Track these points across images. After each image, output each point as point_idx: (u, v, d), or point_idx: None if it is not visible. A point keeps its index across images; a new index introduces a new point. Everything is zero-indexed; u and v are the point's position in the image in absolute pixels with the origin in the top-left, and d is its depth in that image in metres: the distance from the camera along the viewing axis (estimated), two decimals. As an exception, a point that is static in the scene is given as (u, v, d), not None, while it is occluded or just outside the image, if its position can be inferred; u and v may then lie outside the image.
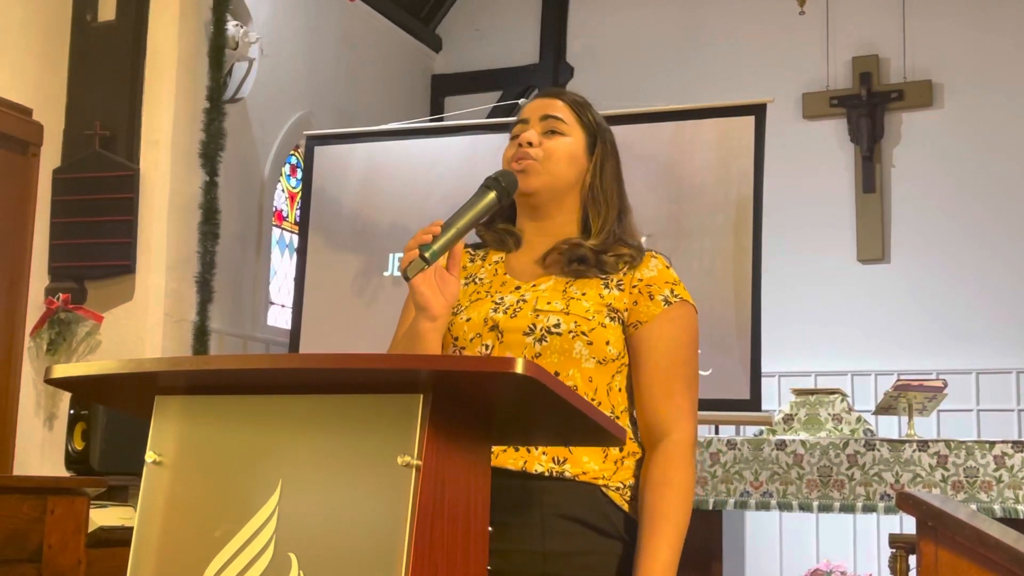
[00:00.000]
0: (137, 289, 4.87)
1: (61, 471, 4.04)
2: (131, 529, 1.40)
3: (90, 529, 3.31)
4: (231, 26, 5.16)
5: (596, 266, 1.78)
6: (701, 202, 4.77)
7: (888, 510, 4.02)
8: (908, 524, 3.76)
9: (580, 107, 1.88)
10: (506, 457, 1.66)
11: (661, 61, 6.97)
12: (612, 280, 1.78)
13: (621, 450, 1.72)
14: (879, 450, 4.04)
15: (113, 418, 3.86)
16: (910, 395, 4.50)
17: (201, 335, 4.96)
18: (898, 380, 4.73)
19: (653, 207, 4.71)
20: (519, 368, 1.17)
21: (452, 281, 1.69)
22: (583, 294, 1.76)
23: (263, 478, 1.30)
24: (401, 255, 1.67)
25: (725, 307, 4.56)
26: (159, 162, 4.92)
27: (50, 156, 4.94)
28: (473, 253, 1.91)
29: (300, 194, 5.88)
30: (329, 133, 5.68)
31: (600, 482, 1.70)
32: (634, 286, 1.77)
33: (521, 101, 2.05)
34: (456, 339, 1.77)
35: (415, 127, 5.66)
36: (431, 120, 6.57)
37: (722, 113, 4.87)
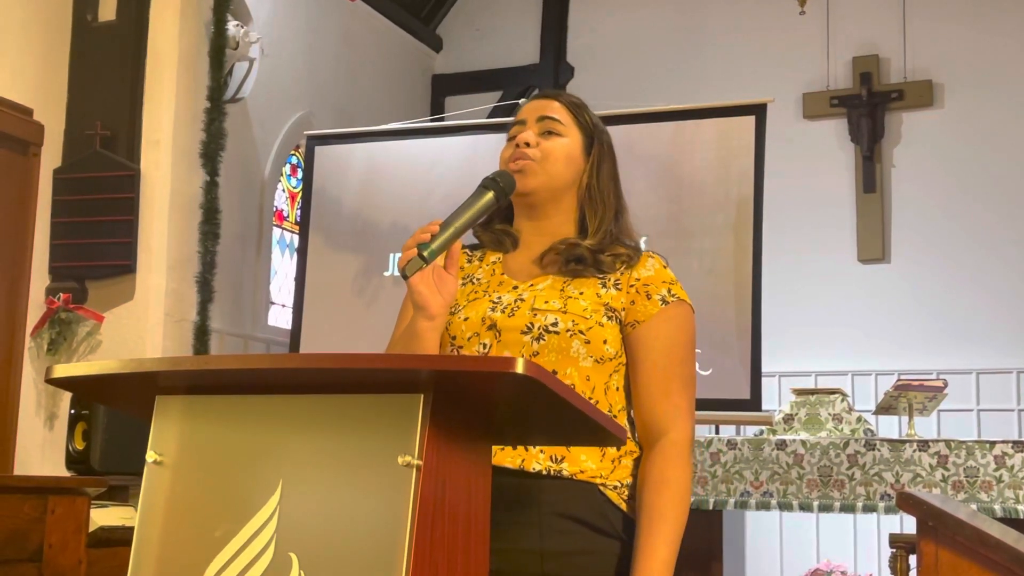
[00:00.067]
0: (138, 289, 4.88)
1: (62, 471, 4.05)
2: (132, 529, 1.40)
3: (91, 529, 3.32)
4: (232, 26, 5.16)
5: (593, 265, 1.79)
6: (701, 202, 4.77)
7: (888, 510, 4.02)
8: (908, 524, 3.76)
9: (577, 108, 1.89)
10: (504, 455, 1.66)
11: (661, 61, 6.97)
12: (609, 280, 1.79)
13: (618, 449, 1.72)
14: (879, 450, 4.04)
15: (114, 418, 3.86)
16: (910, 395, 4.50)
17: (202, 335, 4.96)
18: (898, 380, 4.74)
19: (653, 207, 4.71)
20: (519, 368, 1.17)
21: (450, 280, 1.69)
22: (580, 293, 1.77)
23: (264, 478, 1.30)
24: (401, 255, 1.67)
25: (725, 307, 4.56)
26: (160, 162, 4.92)
27: (51, 156, 4.94)
28: (471, 254, 1.91)
29: (300, 194, 5.89)
30: (329, 133, 5.68)
31: (598, 481, 1.70)
32: (631, 286, 1.78)
33: (521, 101, 2.05)
34: (454, 338, 1.77)
35: (415, 127, 5.66)
36: (431, 120, 6.58)
37: (722, 113, 4.87)
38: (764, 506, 4.15)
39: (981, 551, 1.90)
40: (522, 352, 1.72)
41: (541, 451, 1.68)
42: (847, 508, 4.05)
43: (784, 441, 4.19)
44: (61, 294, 4.83)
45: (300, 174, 6.23)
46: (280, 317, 6.05)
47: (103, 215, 4.85)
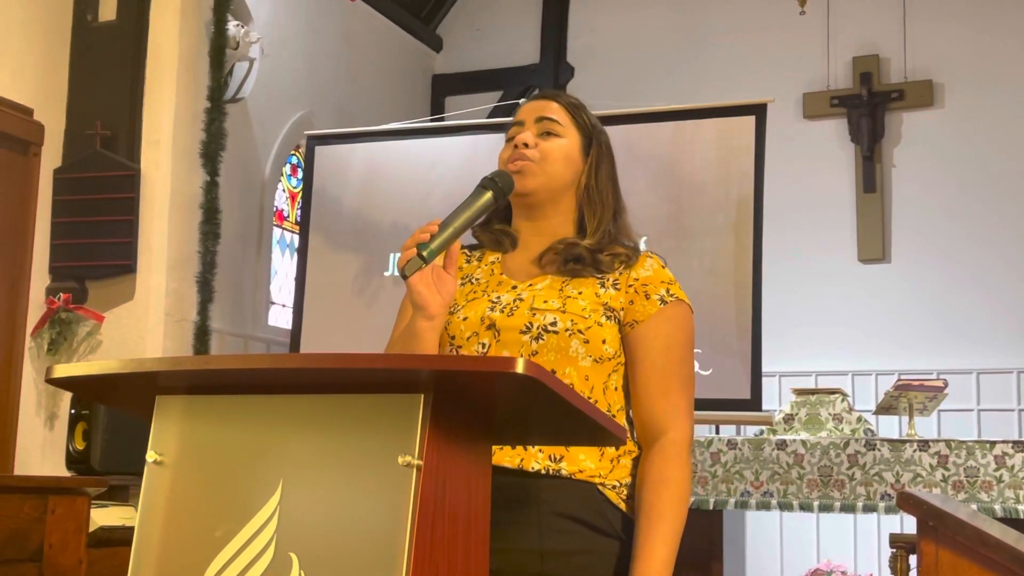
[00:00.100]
0: (138, 289, 4.88)
1: (62, 471, 4.04)
2: (132, 529, 1.40)
3: (91, 529, 3.31)
4: (232, 26, 5.16)
5: (592, 265, 1.80)
6: (702, 202, 4.77)
7: (889, 510, 4.02)
8: (909, 524, 3.76)
9: (575, 109, 1.89)
10: (502, 455, 1.66)
11: (662, 61, 6.97)
12: (608, 279, 1.79)
13: (617, 448, 1.72)
14: (880, 450, 4.04)
15: (114, 418, 3.86)
16: (911, 395, 4.50)
17: (202, 335, 4.96)
18: (899, 380, 4.74)
19: (653, 207, 4.71)
20: (520, 368, 1.17)
21: (449, 280, 1.70)
22: (579, 293, 1.77)
23: (264, 478, 1.30)
24: (400, 255, 1.67)
25: (726, 307, 4.56)
26: (160, 162, 4.92)
27: (51, 156, 4.94)
28: (469, 254, 1.92)
29: (301, 194, 5.89)
30: (330, 133, 5.68)
31: (596, 480, 1.70)
32: (630, 285, 1.78)
33: (521, 101, 2.06)
34: (453, 338, 1.78)
35: (416, 127, 5.66)
36: (432, 120, 6.58)
37: (723, 113, 4.87)
38: (764, 506, 4.15)
39: (981, 551, 1.90)
40: (521, 352, 1.72)
41: (540, 450, 1.68)
42: (847, 508, 4.05)
43: (784, 441, 4.19)
44: (61, 294, 4.83)
45: (300, 174, 6.23)
46: (280, 317, 6.05)
47: (103, 215, 4.86)
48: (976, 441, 4.00)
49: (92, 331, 4.87)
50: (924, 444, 4.02)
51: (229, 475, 1.33)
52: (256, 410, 1.35)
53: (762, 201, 4.66)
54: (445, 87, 7.52)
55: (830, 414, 4.49)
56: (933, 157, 6.45)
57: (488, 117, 6.57)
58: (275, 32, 5.85)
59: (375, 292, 5.24)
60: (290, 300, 5.78)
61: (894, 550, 3.57)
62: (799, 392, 4.67)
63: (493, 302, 1.79)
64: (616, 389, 1.77)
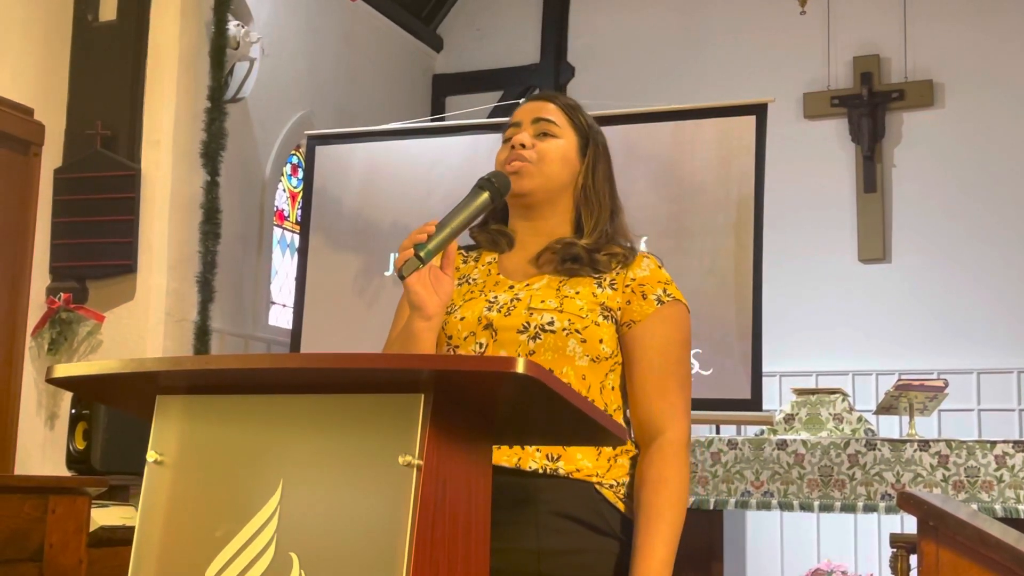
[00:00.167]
0: (138, 289, 4.88)
1: (62, 471, 4.04)
2: (132, 529, 1.40)
3: (91, 529, 3.31)
4: (232, 26, 5.16)
5: (589, 265, 1.80)
6: (702, 202, 4.77)
7: (889, 510, 4.02)
8: (909, 524, 3.76)
9: (571, 109, 1.90)
10: (500, 454, 1.66)
11: (662, 61, 6.97)
12: (605, 279, 1.80)
13: (614, 448, 1.72)
14: (880, 450, 4.04)
15: (114, 418, 3.86)
16: (911, 395, 4.50)
17: (202, 335, 4.97)
18: (899, 380, 4.74)
19: (654, 207, 4.71)
20: (520, 368, 1.17)
21: (446, 280, 1.70)
22: (576, 292, 1.77)
23: (264, 478, 1.30)
24: (398, 256, 1.68)
25: (726, 307, 4.56)
26: (160, 162, 4.92)
27: (51, 156, 4.94)
28: (466, 254, 1.92)
29: (301, 194, 5.89)
30: (330, 133, 5.68)
31: (594, 480, 1.71)
32: (627, 285, 1.79)
33: (521, 101, 2.07)
34: (450, 338, 1.78)
35: (416, 127, 5.66)
36: (432, 120, 6.58)
37: (723, 113, 4.87)
38: (765, 506, 4.15)
39: (982, 551, 1.90)
40: (518, 351, 1.73)
41: (537, 450, 1.69)
42: (848, 508, 4.05)
43: (785, 441, 4.19)
44: (62, 294, 4.83)
45: (301, 174, 6.24)
46: (281, 317, 6.05)
47: (104, 215, 4.86)
48: (976, 441, 4.00)
49: (92, 331, 4.87)
50: (924, 444, 4.02)
51: (229, 475, 1.33)
52: (256, 410, 1.35)
53: (762, 201, 4.66)
54: (445, 87, 7.52)
55: (830, 414, 4.49)
56: (933, 157, 6.45)
57: (488, 117, 6.57)
58: (275, 32, 5.85)
59: (375, 292, 5.24)
60: (290, 300, 5.78)
61: (895, 550, 3.57)
62: (799, 392, 4.67)
63: (490, 302, 1.79)
64: (613, 389, 1.77)
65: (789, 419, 4.54)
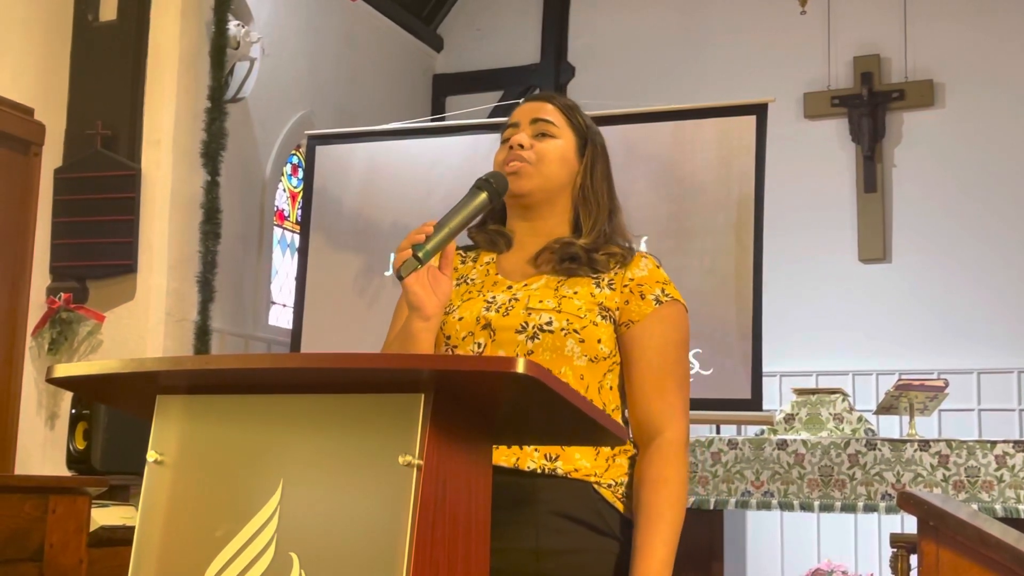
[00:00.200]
0: (139, 288, 4.88)
1: (63, 470, 4.04)
2: (132, 528, 1.40)
3: (92, 528, 3.31)
4: (232, 26, 5.16)
5: (587, 264, 1.80)
6: (702, 201, 4.77)
7: (889, 510, 4.02)
8: (909, 524, 3.76)
9: (569, 110, 1.91)
10: (498, 454, 1.66)
11: (662, 61, 6.97)
12: (603, 279, 1.80)
13: (613, 448, 1.72)
14: (880, 450, 4.04)
15: (114, 417, 3.86)
16: (911, 395, 4.50)
17: (203, 335, 4.96)
18: (899, 380, 4.74)
19: (654, 206, 4.71)
20: (520, 368, 1.17)
21: (444, 281, 1.70)
22: (575, 292, 1.78)
23: (264, 478, 1.30)
24: (396, 256, 1.68)
25: (726, 306, 4.56)
26: (160, 162, 4.92)
27: (52, 156, 4.94)
28: (464, 255, 1.92)
29: (301, 194, 5.89)
30: (330, 133, 5.68)
31: (592, 479, 1.71)
32: (625, 285, 1.79)
33: (521, 101, 2.08)
34: (448, 338, 1.78)
35: (416, 127, 5.66)
36: (432, 120, 6.58)
37: (723, 113, 4.87)
38: (765, 506, 4.15)
39: (982, 551, 1.90)
40: (516, 351, 1.73)
41: (535, 450, 1.69)
42: (848, 508, 4.05)
43: (785, 441, 4.19)
44: (62, 294, 4.83)
45: (301, 174, 6.23)
46: (281, 317, 6.05)
47: (104, 215, 4.86)
48: (977, 441, 3.99)
49: (93, 331, 4.87)
50: (925, 444, 4.02)
51: (230, 475, 1.33)
52: (257, 410, 1.35)
53: (763, 201, 4.66)
54: (446, 87, 7.52)
55: (831, 414, 4.49)
56: (934, 157, 6.45)
57: (489, 117, 6.57)
58: (276, 32, 5.85)
59: (376, 292, 5.24)
60: (291, 300, 5.78)
61: (895, 550, 3.57)
62: (800, 392, 4.67)
63: (488, 302, 1.79)
64: (611, 388, 1.78)
65: (789, 419, 4.54)
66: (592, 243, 1.82)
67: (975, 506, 3.78)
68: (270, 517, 1.28)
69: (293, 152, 6.24)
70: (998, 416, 6.11)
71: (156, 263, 4.87)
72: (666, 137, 4.92)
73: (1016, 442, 3.93)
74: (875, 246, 6.47)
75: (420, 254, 1.63)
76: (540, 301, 1.76)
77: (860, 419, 4.48)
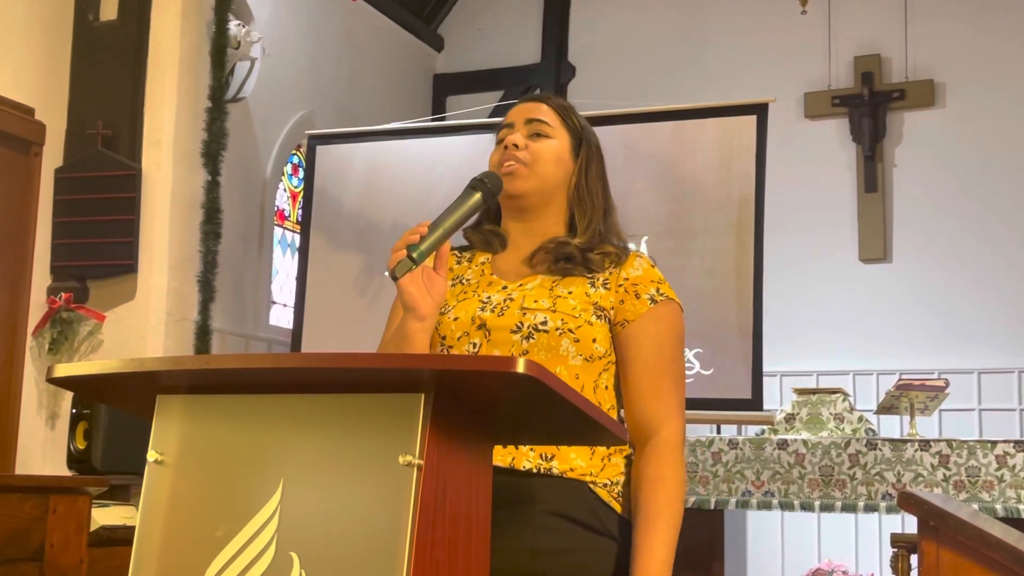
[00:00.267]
0: (139, 288, 4.88)
1: (63, 470, 4.05)
2: (133, 528, 1.40)
3: (92, 528, 3.32)
4: (233, 25, 5.16)
5: (582, 264, 1.81)
6: (703, 201, 4.77)
7: (890, 510, 4.02)
8: (910, 524, 3.76)
9: (564, 110, 1.92)
10: (494, 454, 1.66)
11: (663, 60, 6.96)
12: (598, 279, 1.80)
13: (609, 447, 1.72)
14: (881, 450, 4.04)
15: (115, 417, 3.86)
16: (912, 394, 4.50)
17: (203, 334, 4.97)
18: (900, 379, 4.73)
19: (654, 207, 4.71)
20: (520, 367, 1.17)
21: (439, 281, 1.71)
22: (570, 292, 1.78)
23: (265, 477, 1.30)
24: (391, 257, 1.68)
25: (727, 306, 4.56)
26: (161, 161, 4.92)
27: (52, 155, 4.94)
28: (459, 255, 1.93)
29: (302, 193, 5.89)
30: (331, 132, 5.68)
31: (588, 479, 1.71)
32: (620, 285, 1.79)
33: (516, 102, 2.10)
34: (444, 338, 1.79)
35: (417, 127, 5.66)
36: (433, 120, 6.58)
37: (724, 112, 4.87)
38: (765, 506, 4.15)
39: (982, 551, 1.90)
40: (512, 351, 1.74)
41: (531, 449, 1.69)
42: (848, 508, 4.05)
43: (786, 441, 4.19)
44: (62, 293, 4.83)
45: (301, 173, 6.24)
46: (281, 317, 6.05)
47: (104, 214, 4.86)
48: (977, 441, 3.99)
49: (93, 330, 4.87)
50: (925, 444, 4.02)
51: (230, 475, 1.33)
52: (257, 410, 1.35)
53: (763, 201, 4.66)
54: (446, 87, 7.52)
55: (831, 414, 4.49)
56: (934, 157, 6.45)
57: (489, 117, 6.57)
58: (276, 32, 5.85)
59: (376, 292, 5.24)
60: (291, 300, 5.78)
61: (895, 550, 3.57)
62: (800, 392, 4.66)
63: (483, 302, 1.80)
64: (607, 388, 1.78)
65: (790, 419, 4.54)
66: (587, 243, 1.82)
67: (976, 506, 3.78)
68: (270, 517, 1.28)
69: (294, 152, 6.24)
70: (999, 416, 6.11)
71: (156, 263, 4.87)
72: (666, 137, 4.92)
73: (1017, 442, 3.93)
74: (876, 246, 6.47)
75: (414, 254, 1.63)
76: (535, 301, 1.77)
77: (861, 419, 4.47)
